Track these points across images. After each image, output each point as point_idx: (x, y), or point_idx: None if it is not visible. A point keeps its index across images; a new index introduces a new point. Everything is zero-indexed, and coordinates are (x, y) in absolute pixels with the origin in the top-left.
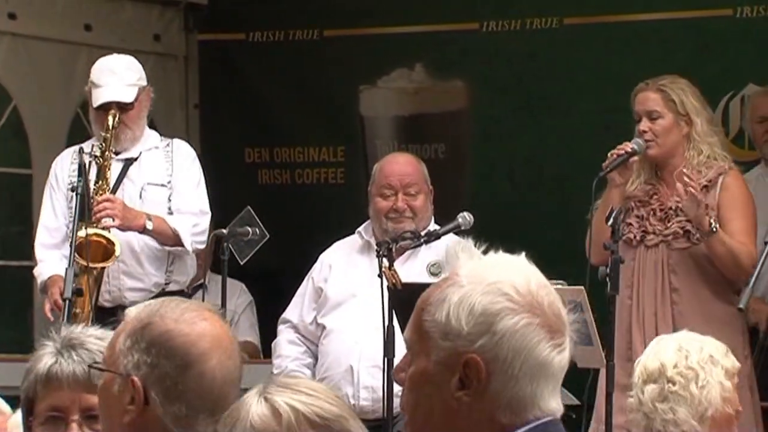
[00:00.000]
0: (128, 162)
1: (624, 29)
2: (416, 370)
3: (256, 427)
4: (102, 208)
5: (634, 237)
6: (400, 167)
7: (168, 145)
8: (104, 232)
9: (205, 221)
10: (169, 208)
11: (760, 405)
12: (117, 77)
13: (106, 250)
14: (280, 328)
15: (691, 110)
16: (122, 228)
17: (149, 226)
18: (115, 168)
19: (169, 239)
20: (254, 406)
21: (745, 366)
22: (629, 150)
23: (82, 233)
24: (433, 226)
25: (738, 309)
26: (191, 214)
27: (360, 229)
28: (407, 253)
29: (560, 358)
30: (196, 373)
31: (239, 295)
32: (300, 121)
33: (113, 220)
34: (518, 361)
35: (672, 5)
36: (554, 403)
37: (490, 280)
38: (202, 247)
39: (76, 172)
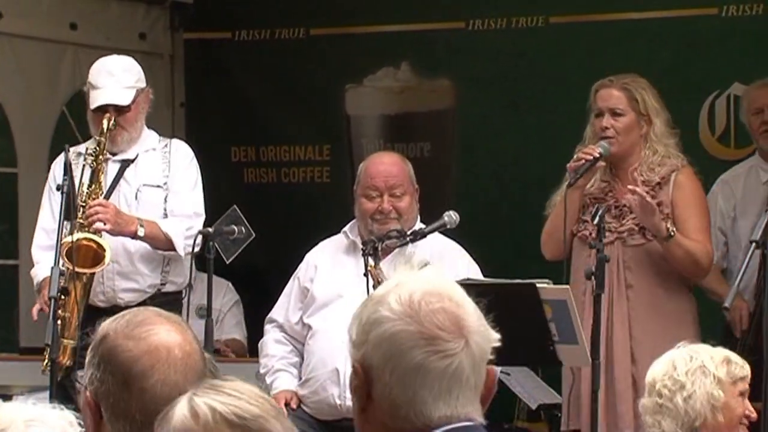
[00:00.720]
0: (125, 163)
1: (610, 28)
2: (350, 380)
3: (176, 428)
4: (94, 212)
5: (590, 234)
6: (386, 168)
7: (166, 146)
8: (95, 237)
9: (199, 223)
10: (165, 210)
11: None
12: (114, 79)
13: (96, 255)
14: (267, 327)
15: (652, 110)
16: (113, 233)
17: (140, 232)
18: (112, 169)
19: (162, 244)
20: (178, 407)
21: None
22: (596, 155)
23: (70, 238)
24: (419, 225)
25: (723, 308)
26: (185, 216)
27: (346, 228)
28: (395, 251)
29: (443, 364)
30: (136, 390)
31: (225, 294)
32: (286, 119)
33: (104, 224)
34: (389, 367)
35: (658, 4)
36: (446, 409)
37: (383, 292)
38: (196, 250)
39: (73, 172)
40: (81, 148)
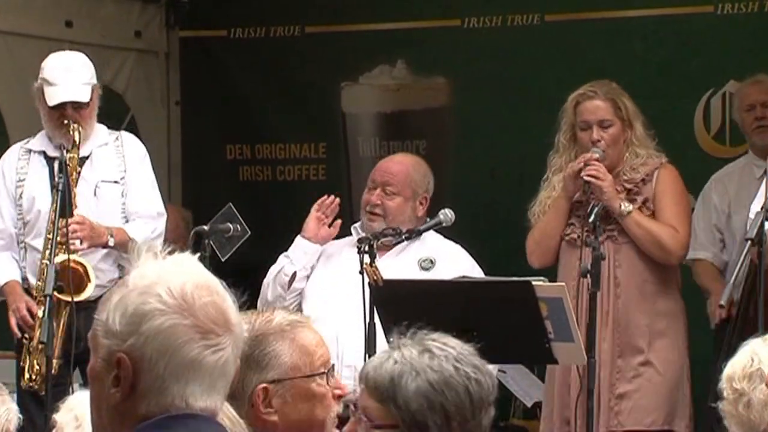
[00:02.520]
0: (80, 160)
1: (606, 26)
2: (90, 367)
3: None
4: (73, 230)
5: (578, 237)
6: (389, 165)
7: (117, 138)
8: (84, 261)
9: (162, 223)
10: (124, 207)
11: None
12: (72, 75)
13: (81, 282)
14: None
15: (633, 115)
16: (87, 246)
17: (111, 242)
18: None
19: (130, 249)
20: None
21: (684, 357)
22: (596, 159)
23: (60, 258)
24: (427, 236)
25: (719, 306)
26: (149, 218)
27: (356, 224)
28: (398, 247)
29: (215, 358)
30: None
31: None
32: (281, 117)
33: (81, 242)
34: (163, 360)
35: (654, 2)
36: (209, 401)
37: (147, 282)
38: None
39: (23, 170)
40: (31, 144)
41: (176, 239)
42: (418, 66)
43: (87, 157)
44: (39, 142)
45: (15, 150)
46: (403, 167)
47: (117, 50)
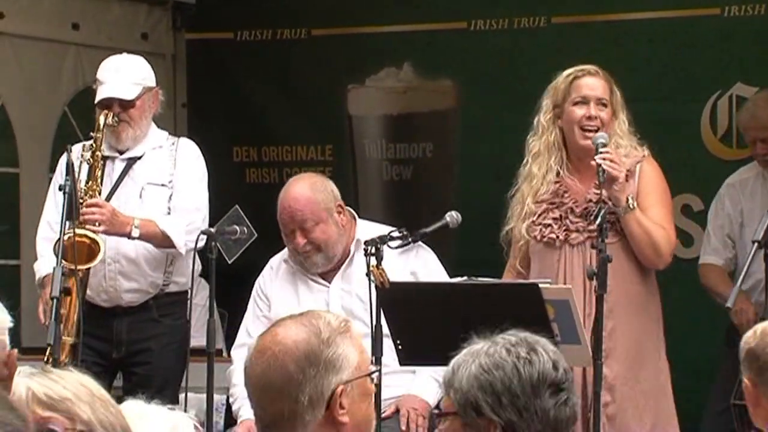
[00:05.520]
0: (131, 161)
1: (612, 28)
2: None
3: (3, 398)
4: (90, 212)
5: (557, 237)
6: (291, 203)
7: (173, 144)
8: (88, 232)
9: (199, 218)
10: (168, 209)
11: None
12: (120, 75)
13: (91, 251)
14: (234, 354)
15: (620, 105)
16: (108, 233)
17: (135, 233)
18: (118, 167)
19: (160, 241)
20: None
21: (665, 362)
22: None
23: (64, 236)
24: (362, 234)
25: (726, 308)
26: (186, 211)
27: (285, 256)
28: (400, 250)
29: None
30: None
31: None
32: (288, 120)
33: (98, 224)
34: None
35: (660, 4)
36: None
37: None
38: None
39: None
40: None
41: None
42: (424, 68)
43: (139, 158)
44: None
45: (77, 149)
46: (305, 197)
47: (123, 53)
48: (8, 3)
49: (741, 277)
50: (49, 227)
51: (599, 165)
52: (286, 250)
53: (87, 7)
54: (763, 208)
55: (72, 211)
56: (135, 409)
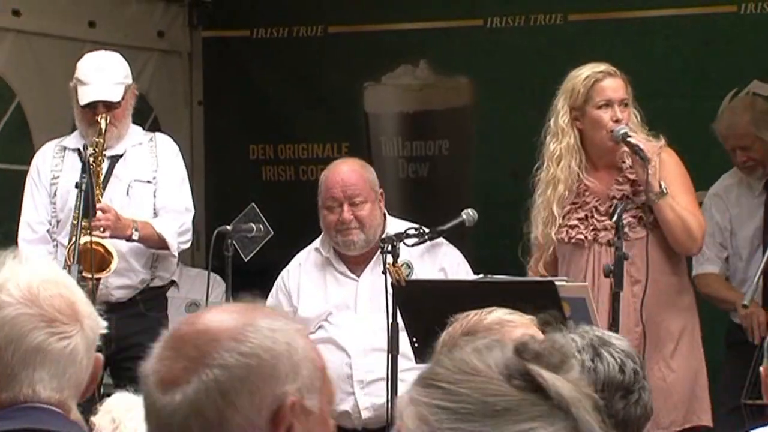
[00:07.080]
0: (114, 159)
1: (628, 25)
2: None
3: None
4: (98, 218)
5: (585, 238)
6: (343, 177)
7: (151, 139)
8: (104, 242)
9: (190, 219)
10: (154, 206)
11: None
12: (104, 75)
13: (104, 260)
14: None
15: (633, 101)
16: (110, 237)
17: (135, 236)
18: (103, 166)
19: (155, 243)
20: None
21: (701, 350)
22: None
23: (82, 240)
24: (393, 228)
25: (742, 306)
26: (176, 212)
27: (317, 245)
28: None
29: (61, 345)
30: None
31: (213, 289)
32: (304, 117)
33: (103, 230)
34: (11, 348)
35: (677, 2)
36: (57, 391)
37: (0, 280)
38: (187, 246)
39: (58, 167)
40: (66, 142)
41: None
42: (440, 66)
43: (121, 156)
44: (74, 140)
45: (50, 147)
46: (358, 174)
47: (140, 50)
48: (25, 1)
49: (757, 275)
50: (29, 229)
51: (635, 146)
52: (316, 241)
53: (103, 5)
54: (750, 213)
55: (89, 210)
56: (123, 401)
